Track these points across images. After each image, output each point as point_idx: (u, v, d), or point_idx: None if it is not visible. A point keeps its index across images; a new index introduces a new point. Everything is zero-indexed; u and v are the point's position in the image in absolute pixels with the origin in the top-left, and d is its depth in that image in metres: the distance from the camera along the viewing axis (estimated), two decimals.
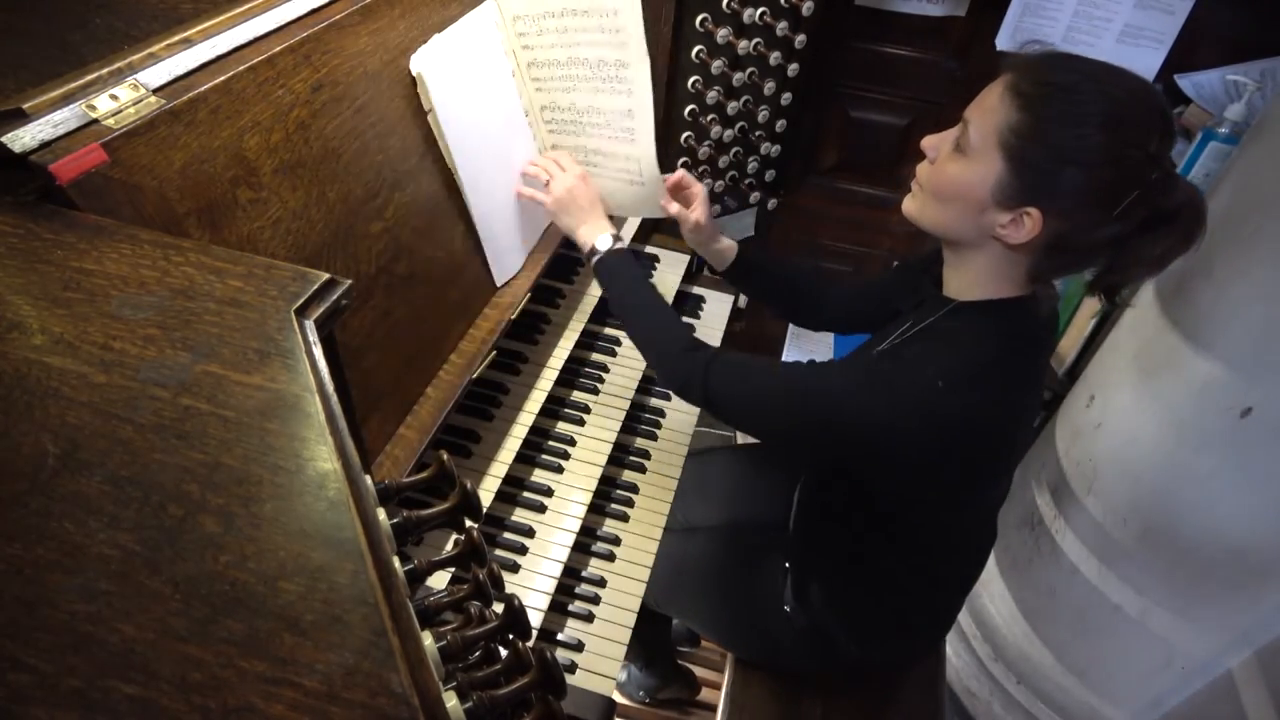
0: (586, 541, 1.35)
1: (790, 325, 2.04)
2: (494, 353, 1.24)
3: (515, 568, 1.22)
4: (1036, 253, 0.93)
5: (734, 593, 1.38)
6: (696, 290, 1.86)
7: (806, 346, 2.00)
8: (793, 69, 1.68)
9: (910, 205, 1.02)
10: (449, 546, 1.13)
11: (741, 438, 2.55)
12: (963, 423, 0.95)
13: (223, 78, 0.81)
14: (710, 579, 1.41)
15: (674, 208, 1.35)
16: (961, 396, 0.93)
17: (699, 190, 1.36)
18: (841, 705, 1.36)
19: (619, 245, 1.24)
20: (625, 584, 1.32)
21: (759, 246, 1.56)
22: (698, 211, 1.34)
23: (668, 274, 1.77)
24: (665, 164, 1.75)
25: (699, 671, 1.98)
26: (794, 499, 1.39)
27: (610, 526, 1.39)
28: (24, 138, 0.66)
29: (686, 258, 1.82)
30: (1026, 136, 0.87)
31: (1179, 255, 0.88)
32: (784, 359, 1.98)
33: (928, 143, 0.99)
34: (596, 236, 1.24)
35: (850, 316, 1.42)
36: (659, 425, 1.56)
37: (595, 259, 1.24)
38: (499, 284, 1.30)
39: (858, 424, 0.97)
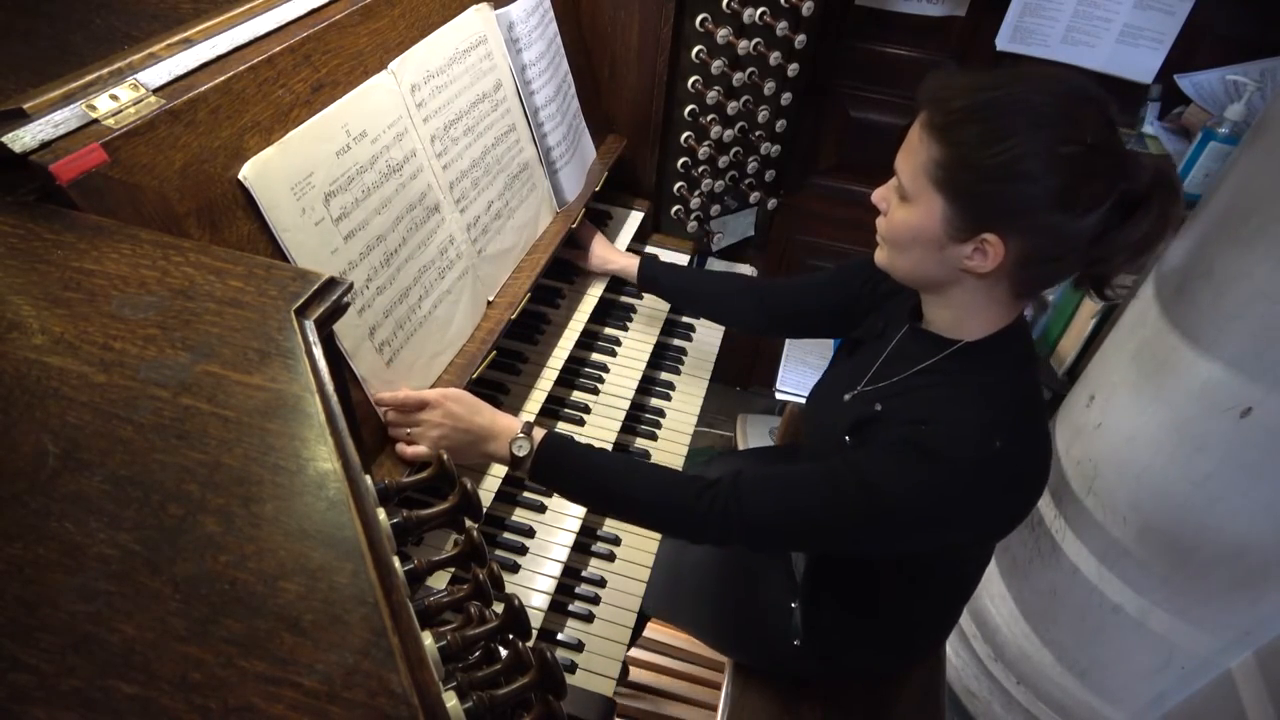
0: (586, 541, 1.35)
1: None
2: (494, 353, 1.24)
3: (515, 568, 1.22)
4: (1012, 273, 0.89)
5: (733, 600, 1.37)
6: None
7: (803, 354, 2.00)
8: (793, 69, 1.68)
9: (880, 257, 1.00)
10: (449, 546, 1.13)
11: (742, 443, 2.55)
12: (1029, 474, 0.94)
13: (223, 78, 0.81)
14: (709, 585, 1.40)
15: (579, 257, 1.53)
16: (1020, 446, 0.91)
17: (587, 235, 1.53)
18: (842, 707, 1.35)
19: (535, 434, 1.04)
20: (625, 584, 1.32)
21: (655, 257, 1.60)
22: (591, 254, 1.53)
23: None
24: (665, 164, 1.76)
25: (699, 672, 1.98)
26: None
27: (610, 526, 1.39)
28: (24, 138, 0.66)
29: (686, 258, 1.82)
30: (952, 167, 0.85)
31: (1161, 237, 0.85)
32: (781, 368, 1.98)
33: (876, 197, 0.97)
34: (509, 445, 1.04)
35: (798, 317, 1.40)
36: (659, 425, 1.56)
37: (524, 467, 1.04)
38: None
39: (921, 516, 0.92)
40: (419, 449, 1.03)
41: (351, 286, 0.67)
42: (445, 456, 0.66)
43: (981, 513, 0.94)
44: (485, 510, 1.24)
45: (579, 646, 1.22)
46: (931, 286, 0.97)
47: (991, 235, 0.85)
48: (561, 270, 1.60)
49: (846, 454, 0.98)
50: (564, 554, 1.25)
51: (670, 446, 1.53)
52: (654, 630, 1.96)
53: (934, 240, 0.89)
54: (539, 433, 1.05)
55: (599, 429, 1.44)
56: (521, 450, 1.03)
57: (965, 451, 0.89)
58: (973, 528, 0.98)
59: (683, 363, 1.69)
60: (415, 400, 1.03)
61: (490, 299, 1.27)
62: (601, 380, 1.52)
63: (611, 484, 1.05)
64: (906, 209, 0.91)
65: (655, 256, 1.56)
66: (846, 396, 1.10)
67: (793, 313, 1.40)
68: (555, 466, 1.04)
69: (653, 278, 1.50)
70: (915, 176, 0.88)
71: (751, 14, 1.58)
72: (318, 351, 0.59)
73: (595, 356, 1.57)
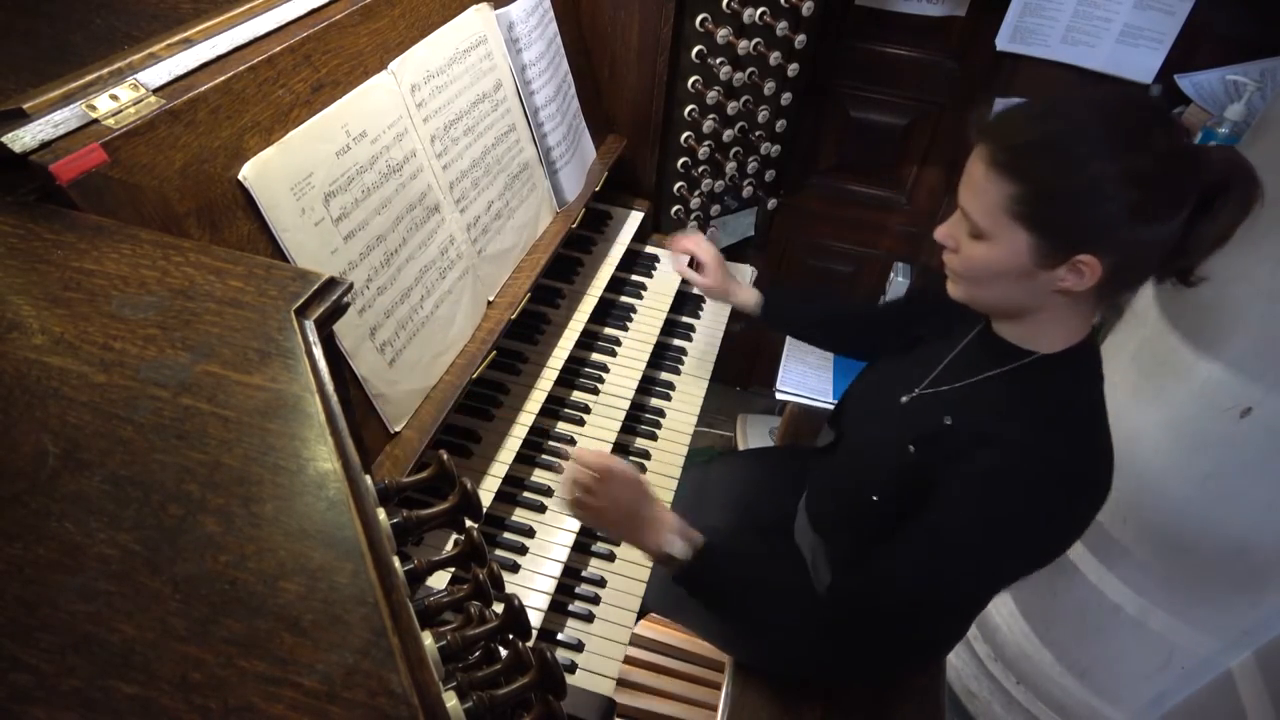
0: (586, 541, 1.35)
1: (787, 336, 2.02)
2: (494, 353, 1.24)
3: (515, 568, 1.22)
4: (1101, 284, 0.89)
5: None
6: (696, 290, 1.86)
7: (803, 354, 2.00)
8: (793, 69, 1.68)
9: (958, 291, 0.98)
10: (449, 546, 1.13)
11: (742, 443, 2.55)
12: (1100, 488, 0.96)
13: (223, 78, 0.81)
14: None
15: (688, 273, 1.51)
16: (1093, 462, 0.94)
17: (707, 256, 1.49)
18: (842, 708, 1.35)
19: (696, 541, 1.05)
20: (625, 584, 1.32)
21: (774, 286, 1.59)
22: (709, 277, 1.48)
23: (668, 274, 1.77)
24: (665, 164, 1.76)
25: (698, 671, 1.98)
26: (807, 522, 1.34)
27: None
28: (24, 138, 0.66)
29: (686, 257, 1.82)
30: (1031, 202, 0.84)
31: (1241, 222, 0.85)
32: (781, 368, 1.98)
33: (941, 235, 0.96)
34: (669, 545, 1.04)
35: (868, 346, 1.44)
36: (659, 425, 1.56)
37: (670, 569, 1.06)
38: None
39: (1021, 542, 0.95)
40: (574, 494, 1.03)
41: (351, 286, 0.67)
42: (445, 456, 0.66)
43: (1057, 527, 0.95)
44: (485, 510, 1.24)
45: (579, 646, 1.22)
46: (1018, 313, 0.96)
47: (1086, 256, 0.85)
48: (561, 270, 1.60)
49: (934, 508, 0.98)
50: (564, 554, 1.25)
51: (670, 446, 1.53)
52: (653, 629, 1.95)
53: (1022, 271, 0.89)
54: (697, 541, 1.05)
55: (599, 429, 1.44)
56: (683, 552, 1.04)
57: (1039, 469, 0.91)
58: (1048, 541, 0.98)
59: (683, 363, 1.69)
60: (603, 468, 1.01)
61: (490, 299, 1.27)
62: (601, 380, 1.52)
63: (753, 609, 1.12)
64: (986, 246, 0.90)
65: (778, 291, 1.52)
66: (904, 398, 1.09)
67: (866, 342, 1.44)
68: (705, 585, 1.08)
69: (778, 315, 1.51)
70: (990, 214, 0.88)
71: (751, 14, 1.58)
72: (318, 351, 0.59)
73: (595, 356, 1.57)
